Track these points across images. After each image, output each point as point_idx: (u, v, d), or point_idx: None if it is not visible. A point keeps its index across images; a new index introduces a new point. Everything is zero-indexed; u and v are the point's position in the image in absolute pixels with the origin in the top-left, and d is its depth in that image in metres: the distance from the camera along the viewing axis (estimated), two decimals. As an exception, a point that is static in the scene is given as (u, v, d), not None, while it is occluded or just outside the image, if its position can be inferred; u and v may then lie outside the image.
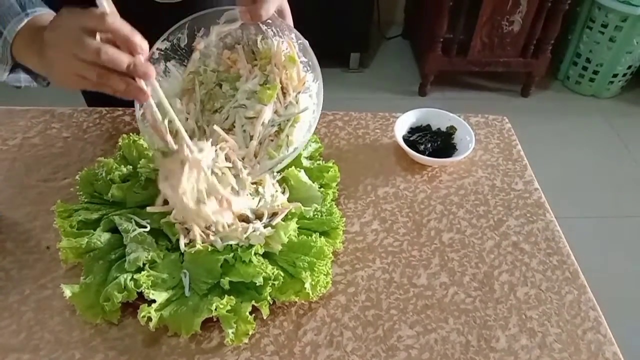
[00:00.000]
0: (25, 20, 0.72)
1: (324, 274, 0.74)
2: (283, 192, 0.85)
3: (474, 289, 0.80)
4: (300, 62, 0.79)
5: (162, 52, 0.80)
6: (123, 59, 0.62)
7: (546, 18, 2.53)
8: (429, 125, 1.04)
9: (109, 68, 0.63)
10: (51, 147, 0.98)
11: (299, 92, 0.79)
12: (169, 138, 0.72)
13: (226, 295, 0.70)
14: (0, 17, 0.71)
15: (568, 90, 2.94)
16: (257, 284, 0.71)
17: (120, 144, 0.91)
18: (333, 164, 0.91)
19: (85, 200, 0.85)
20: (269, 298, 0.71)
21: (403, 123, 1.02)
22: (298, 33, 0.80)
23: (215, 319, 0.71)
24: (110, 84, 0.64)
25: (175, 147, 0.72)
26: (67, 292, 0.71)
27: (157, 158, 0.76)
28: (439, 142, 1.00)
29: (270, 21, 0.79)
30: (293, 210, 0.80)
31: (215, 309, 0.68)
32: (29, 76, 0.81)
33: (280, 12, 0.81)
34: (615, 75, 2.76)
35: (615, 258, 2.06)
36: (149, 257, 0.74)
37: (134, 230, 0.79)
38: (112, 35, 0.63)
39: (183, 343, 0.71)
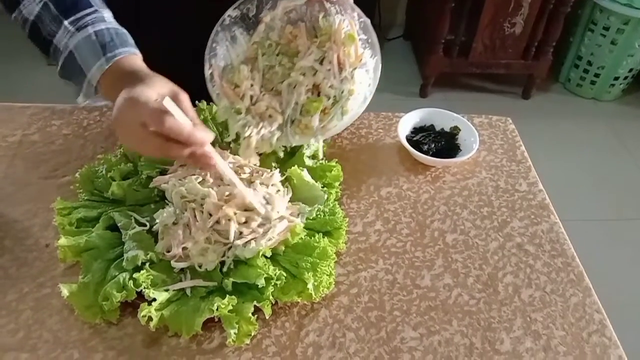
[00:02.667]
0: (107, 67, 0.76)
1: (327, 275, 0.73)
2: (286, 192, 0.84)
3: (478, 291, 0.79)
4: (360, 39, 0.84)
5: (232, 19, 0.86)
6: (182, 154, 0.70)
7: (548, 20, 2.52)
8: (432, 126, 1.03)
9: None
10: (51, 144, 0.97)
11: (354, 68, 0.83)
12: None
13: (228, 295, 0.69)
14: (83, 61, 0.77)
15: (569, 92, 2.93)
16: (260, 286, 0.70)
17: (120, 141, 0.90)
18: (336, 163, 0.90)
19: (85, 197, 0.84)
20: (271, 298, 0.70)
21: (406, 123, 1.01)
22: (360, 12, 0.85)
23: (216, 319, 0.70)
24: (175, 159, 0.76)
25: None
26: (65, 291, 0.70)
27: (229, 113, 0.84)
28: (442, 143, 0.99)
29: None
30: (295, 230, 0.78)
31: (217, 309, 0.67)
32: None
33: None
34: (616, 78, 2.75)
35: (619, 261, 2.05)
36: (148, 257, 0.73)
37: (133, 228, 0.78)
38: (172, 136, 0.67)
39: (184, 343, 0.70)
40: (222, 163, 0.76)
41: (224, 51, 0.86)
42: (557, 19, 2.52)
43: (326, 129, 0.85)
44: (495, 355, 0.71)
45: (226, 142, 0.89)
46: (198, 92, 0.88)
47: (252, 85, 0.85)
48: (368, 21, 0.85)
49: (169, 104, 0.66)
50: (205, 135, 0.70)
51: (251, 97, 0.85)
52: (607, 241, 2.14)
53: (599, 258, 1.92)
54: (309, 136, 0.85)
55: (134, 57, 0.79)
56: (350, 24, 0.84)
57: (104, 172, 0.85)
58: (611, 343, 0.74)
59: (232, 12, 0.85)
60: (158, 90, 0.70)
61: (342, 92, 0.83)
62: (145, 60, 0.80)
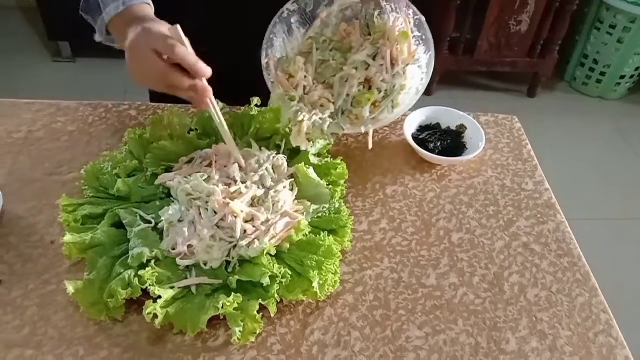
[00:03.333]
0: (122, 9, 0.82)
1: (332, 273, 0.73)
2: (292, 189, 0.84)
3: (484, 290, 0.79)
4: (414, 36, 0.88)
5: (290, 13, 0.90)
6: (184, 83, 0.74)
7: (554, 18, 2.51)
8: (438, 124, 1.02)
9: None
10: (56, 141, 0.97)
11: (407, 64, 0.87)
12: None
13: (233, 293, 0.69)
14: (103, 0, 0.83)
15: (575, 91, 2.92)
16: (265, 284, 0.70)
17: (126, 138, 0.90)
18: (341, 161, 0.90)
19: (91, 194, 0.84)
20: (276, 296, 0.70)
21: (412, 121, 1.01)
22: (416, 9, 0.88)
23: (221, 317, 0.70)
24: (177, 94, 0.77)
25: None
26: (70, 288, 0.70)
27: (283, 100, 0.88)
28: (448, 141, 0.99)
29: None
30: (299, 226, 0.78)
31: (222, 307, 0.67)
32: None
33: None
34: (622, 77, 2.74)
35: (626, 260, 2.04)
36: (153, 255, 0.73)
37: (138, 225, 0.78)
38: (179, 62, 0.73)
39: (189, 341, 0.70)
40: (216, 106, 0.80)
41: (281, 43, 0.90)
42: (563, 17, 2.51)
43: (377, 120, 0.89)
44: (501, 355, 0.71)
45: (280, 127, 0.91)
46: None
47: (305, 77, 0.88)
48: (423, 18, 0.88)
49: (179, 31, 0.73)
50: (206, 68, 0.74)
51: (304, 87, 0.88)
52: (614, 240, 2.13)
53: (605, 258, 1.91)
54: (359, 126, 0.88)
55: (146, 6, 0.84)
56: (405, 21, 0.86)
57: (109, 169, 0.85)
58: (618, 343, 0.73)
59: (290, 6, 0.88)
60: (168, 27, 0.76)
61: (394, 87, 0.87)
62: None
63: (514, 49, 2.62)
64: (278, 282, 0.71)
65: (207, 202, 0.79)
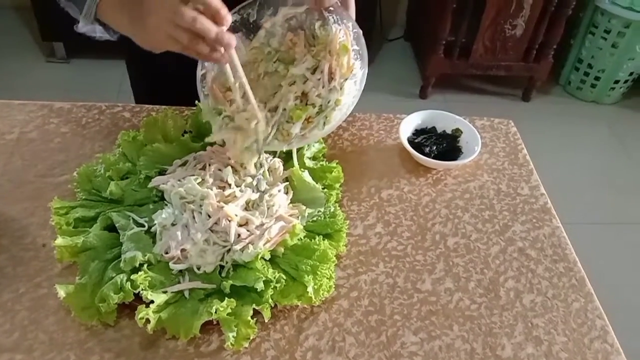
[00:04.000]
0: None
1: (327, 278, 0.73)
2: (286, 193, 0.84)
3: (479, 295, 0.78)
4: (352, 50, 0.83)
5: (232, 24, 0.83)
6: (212, 28, 0.70)
7: (549, 23, 2.52)
8: (434, 128, 1.02)
9: (199, 35, 0.71)
10: (49, 143, 0.96)
11: (345, 79, 0.83)
12: (238, 97, 0.82)
13: (226, 298, 0.68)
14: None
15: (569, 95, 2.93)
16: (259, 290, 0.70)
17: (119, 140, 0.90)
18: (337, 164, 0.89)
19: (83, 197, 0.83)
20: (270, 301, 0.70)
21: (408, 125, 1.01)
22: (354, 22, 0.85)
23: (215, 322, 0.69)
24: (197, 48, 0.72)
25: (240, 106, 0.82)
26: (62, 292, 0.69)
27: (211, 114, 0.85)
28: (444, 145, 0.98)
29: (332, 8, 0.83)
30: (294, 231, 0.77)
31: (216, 312, 0.66)
32: (103, 28, 0.88)
33: (344, 1, 0.86)
34: (616, 82, 2.75)
35: (621, 265, 2.05)
36: (146, 258, 0.73)
37: (131, 229, 0.77)
38: (203, 7, 0.69)
39: (181, 346, 0.69)
40: (236, 61, 0.77)
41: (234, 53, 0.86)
42: (558, 21, 2.52)
43: (304, 138, 0.83)
44: (497, 361, 0.71)
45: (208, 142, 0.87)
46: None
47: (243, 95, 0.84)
48: (360, 32, 0.84)
49: None
50: (228, 14, 0.71)
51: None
52: (609, 245, 2.13)
53: (601, 262, 1.92)
54: (284, 143, 0.83)
55: None
56: (346, 33, 0.83)
57: (102, 171, 0.84)
58: (613, 349, 0.73)
59: (232, 17, 0.84)
60: None
61: (329, 102, 0.82)
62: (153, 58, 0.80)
63: (509, 53, 2.62)
64: (272, 286, 0.70)
65: (200, 206, 0.78)
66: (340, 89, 0.82)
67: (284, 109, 0.83)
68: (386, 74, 2.93)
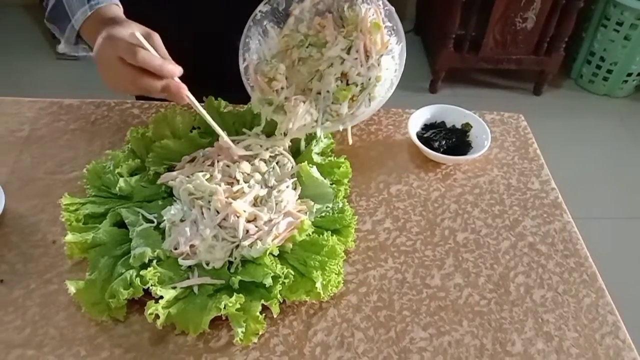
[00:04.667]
0: (89, 13, 0.81)
1: (336, 274, 0.72)
2: (295, 189, 0.83)
3: (489, 291, 0.78)
4: (385, 27, 0.86)
5: (263, 14, 0.88)
6: (156, 85, 0.74)
7: (560, 15, 2.49)
8: (443, 122, 1.01)
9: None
10: (59, 139, 0.97)
11: (381, 55, 0.85)
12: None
13: (235, 294, 0.68)
14: (69, 7, 0.83)
15: (581, 89, 2.90)
16: (267, 285, 0.70)
17: (128, 137, 0.90)
18: (345, 159, 0.89)
19: (93, 193, 0.83)
20: (279, 297, 0.69)
21: (417, 119, 1.00)
22: (385, 0, 0.86)
23: (224, 318, 0.69)
24: (153, 95, 0.77)
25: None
26: (72, 288, 0.70)
27: (262, 104, 0.88)
28: (453, 140, 0.98)
29: None
30: (302, 226, 0.77)
31: (225, 307, 0.67)
32: (87, 47, 0.90)
33: None
34: (629, 75, 2.71)
35: (633, 261, 2.02)
36: (155, 254, 0.73)
37: (140, 225, 0.77)
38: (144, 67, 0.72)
39: (190, 341, 0.69)
40: (193, 98, 0.79)
41: (257, 45, 0.89)
42: (569, 14, 2.49)
43: (354, 116, 0.88)
44: (507, 357, 0.70)
45: (258, 132, 0.91)
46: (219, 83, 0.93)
47: (286, 78, 0.88)
48: (392, 9, 0.87)
49: (138, 37, 0.73)
50: (174, 68, 0.74)
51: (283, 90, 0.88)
52: (621, 240, 2.11)
53: (612, 258, 1.90)
54: (338, 123, 0.87)
55: (114, 7, 0.84)
56: (376, 12, 0.85)
57: (111, 167, 0.84)
58: (625, 345, 0.72)
59: (262, 7, 0.88)
60: (133, 30, 0.75)
61: (370, 79, 0.86)
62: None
63: (519, 47, 2.60)
64: (281, 282, 0.70)
65: (209, 202, 0.78)
66: (378, 65, 0.85)
67: (328, 92, 0.86)
68: (395, 68, 2.91)
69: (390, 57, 0.87)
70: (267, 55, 0.90)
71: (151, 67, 0.72)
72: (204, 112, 0.81)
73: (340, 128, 0.89)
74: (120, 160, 0.85)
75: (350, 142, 0.93)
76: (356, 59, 0.85)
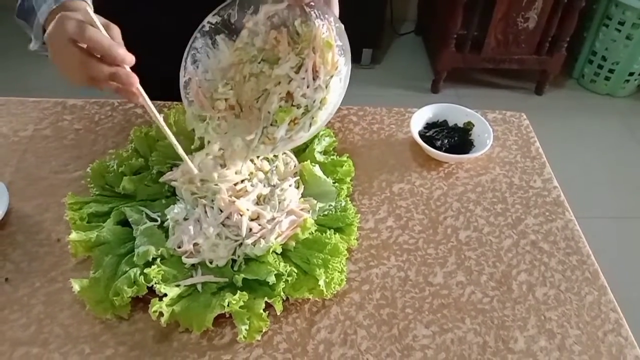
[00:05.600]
0: (54, 6, 0.76)
1: (339, 271, 0.73)
2: (297, 187, 0.84)
3: (492, 289, 0.78)
4: (336, 45, 0.80)
5: (212, 26, 0.84)
6: (104, 70, 0.67)
7: (562, 15, 2.49)
8: (445, 121, 1.02)
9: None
10: (62, 139, 0.97)
11: (331, 76, 0.80)
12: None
13: (239, 291, 0.69)
14: (36, 1, 0.78)
15: (583, 88, 2.89)
16: (271, 283, 0.70)
17: (132, 136, 0.90)
18: (347, 158, 0.89)
19: (97, 192, 0.84)
20: (282, 294, 0.70)
21: (419, 118, 1.00)
22: (336, 16, 0.81)
23: (227, 315, 0.69)
24: (100, 87, 0.70)
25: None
26: (76, 286, 0.70)
27: (196, 120, 0.84)
28: (455, 138, 0.98)
29: (313, 3, 0.80)
30: (305, 224, 0.77)
31: (228, 305, 0.67)
32: None
33: None
34: (631, 74, 2.71)
35: (635, 259, 2.02)
36: (159, 253, 0.73)
37: (144, 223, 0.78)
38: (90, 46, 0.67)
39: (194, 339, 0.70)
40: (146, 97, 0.73)
41: (205, 57, 0.85)
42: (571, 13, 2.49)
43: (291, 140, 0.81)
44: (509, 354, 0.70)
45: (193, 149, 0.86)
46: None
47: (226, 100, 0.84)
48: (342, 26, 0.81)
49: (91, 15, 0.68)
50: (125, 53, 0.68)
51: (231, 106, 0.84)
52: (622, 238, 2.11)
53: (614, 256, 1.90)
54: (270, 147, 0.81)
55: (81, 2, 0.77)
56: (329, 29, 0.80)
57: (115, 167, 0.85)
58: (627, 343, 0.72)
59: (211, 19, 0.83)
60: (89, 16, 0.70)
61: (314, 102, 0.80)
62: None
63: (521, 46, 2.60)
64: (284, 280, 0.70)
65: (212, 201, 0.78)
66: (326, 87, 0.80)
67: (269, 112, 0.81)
68: (397, 68, 2.92)
69: (338, 79, 0.80)
70: (216, 68, 0.85)
71: (99, 46, 0.66)
72: (155, 111, 0.74)
73: (270, 154, 0.84)
74: (123, 160, 0.86)
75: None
76: (304, 78, 0.80)
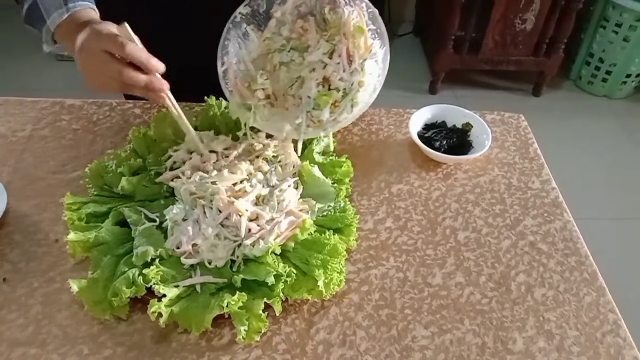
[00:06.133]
0: (66, 15, 0.81)
1: (338, 272, 0.73)
2: (296, 188, 0.84)
3: (490, 290, 0.78)
4: (369, 29, 0.83)
5: (243, 16, 0.86)
6: (140, 79, 0.75)
7: (559, 17, 2.50)
8: (444, 122, 1.02)
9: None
10: (61, 139, 0.97)
11: (364, 60, 0.83)
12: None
13: (238, 292, 0.69)
14: (45, 9, 0.83)
15: (580, 90, 2.90)
16: (270, 284, 0.70)
17: (130, 136, 0.90)
18: (346, 159, 0.89)
19: (95, 192, 0.84)
20: (281, 295, 0.70)
21: (418, 119, 1.00)
22: (368, 2, 0.84)
23: (226, 316, 0.69)
24: (133, 92, 0.77)
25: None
26: (75, 287, 0.70)
27: (241, 110, 0.87)
28: (454, 139, 0.98)
29: None
30: (304, 225, 0.77)
31: (227, 306, 0.67)
32: None
33: None
34: (628, 76, 2.72)
35: (633, 260, 2.03)
36: (158, 253, 0.73)
37: (142, 224, 0.77)
38: (130, 60, 0.73)
39: (193, 340, 0.70)
40: (173, 100, 0.81)
41: (236, 48, 0.86)
42: (568, 15, 2.50)
43: (336, 122, 0.85)
44: (508, 355, 0.70)
45: (238, 134, 0.90)
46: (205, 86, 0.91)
47: (264, 90, 0.86)
48: (376, 11, 0.84)
49: (127, 29, 0.74)
50: (159, 63, 0.75)
51: (266, 95, 0.86)
52: (620, 239, 2.11)
53: (612, 257, 1.90)
54: (319, 129, 0.85)
55: (91, 11, 0.84)
56: (359, 14, 0.83)
57: (113, 167, 0.85)
58: (626, 344, 0.72)
59: (242, 9, 0.85)
60: (116, 26, 0.76)
61: (352, 85, 0.83)
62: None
63: (519, 48, 2.61)
64: (283, 281, 0.70)
65: (211, 201, 0.78)
66: (362, 70, 0.83)
67: (309, 97, 0.84)
68: (395, 69, 2.87)
69: (373, 62, 0.84)
70: (247, 58, 0.87)
71: (138, 60, 0.73)
72: (181, 113, 0.82)
73: (322, 134, 0.88)
74: (122, 160, 0.85)
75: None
76: (338, 63, 0.83)
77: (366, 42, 0.83)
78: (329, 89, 0.84)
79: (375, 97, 0.85)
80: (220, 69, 0.86)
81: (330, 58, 0.83)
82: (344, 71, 0.83)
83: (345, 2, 0.83)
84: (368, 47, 0.83)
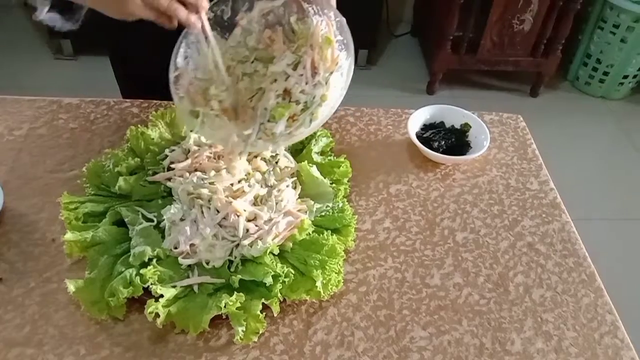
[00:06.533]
0: None
1: (336, 273, 0.72)
2: (294, 188, 0.84)
3: (489, 290, 0.78)
4: (336, 40, 0.78)
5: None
6: None
7: (557, 18, 2.50)
8: (442, 122, 1.02)
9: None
10: (58, 138, 0.96)
11: (330, 72, 0.77)
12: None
13: (235, 293, 0.68)
14: None
15: (577, 91, 2.90)
16: (267, 284, 0.70)
17: (128, 135, 0.90)
18: (345, 159, 0.89)
19: (92, 192, 0.83)
20: (279, 296, 0.70)
21: (416, 119, 1.00)
22: (336, 10, 0.79)
23: (224, 317, 0.69)
24: (176, 11, 0.72)
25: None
26: (71, 287, 0.69)
27: (188, 116, 0.82)
28: (452, 140, 0.98)
29: None
30: (303, 225, 0.77)
31: (225, 306, 0.67)
32: (62, 17, 0.83)
33: None
34: (625, 77, 2.72)
35: (631, 261, 2.03)
36: (155, 253, 0.73)
37: (140, 224, 0.77)
38: None
39: (190, 340, 0.69)
40: (207, 25, 0.76)
41: (195, 54, 0.82)
42: (566, 16, 2.50)
43: (291, 136, 0.79)
44: (506, 356, 0.70)
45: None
46: None
47: (220, 102, 0.82)
48: (344, 20, 0.79)
49: None
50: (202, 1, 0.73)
51: (223, 109, 0.81)
52: (618, 241, 2.12)
53: (610, 258, 1.90)
54: (269, 142, 0.79)
55: None
56: (328, 24, 0.78)
57: (111, 166, 0.84)
58: (623, 345, 0.73)
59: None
60: None
61: (314, 98, 0.77)
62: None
63: (517, 48, 2.61)
64: (281, 281, 0.70)
65: (209, 201, 0.78)
66: (326, 83, 0.77)
67: (265, 108, 0.79)
68: (393, 70, 2.92)
69: (339, 75, 0.78)
70: (209, 64, 0.81)
71: None
72: (212, 39, 0.77)
73: (270, 149, 0.82)
74: (119, 159, 0.85)
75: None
76: (302, 75, 0.77)
77: (333, 53, 0.78)
78: (290, 102, 0.78)
79: (334, 112, 0.79)
80: (172, 74, 0.81)
81: (295, 70, 0.78)
82: (306, 83, 0.77)
83: (314, 12, 0.79)
84: (335, 59, 0.78)
